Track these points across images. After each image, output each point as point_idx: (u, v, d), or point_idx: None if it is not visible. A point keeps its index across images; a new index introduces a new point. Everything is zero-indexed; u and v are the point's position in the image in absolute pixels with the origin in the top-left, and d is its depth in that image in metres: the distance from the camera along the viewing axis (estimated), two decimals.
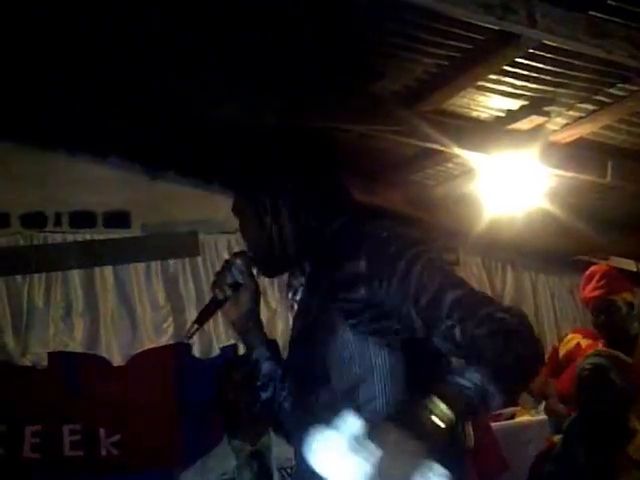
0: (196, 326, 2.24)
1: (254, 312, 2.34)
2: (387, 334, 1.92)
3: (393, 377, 1.92)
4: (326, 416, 1.65)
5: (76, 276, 5.34)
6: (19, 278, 5.23)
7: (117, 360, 5.31)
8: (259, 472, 4.36)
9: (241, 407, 3.88)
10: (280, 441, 4.51)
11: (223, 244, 5.54)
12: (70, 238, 5.40)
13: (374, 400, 1.91)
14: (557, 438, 4.25)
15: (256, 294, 2.32)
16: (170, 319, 5.47)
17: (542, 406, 5.43)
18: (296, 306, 2.18)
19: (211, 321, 5.49)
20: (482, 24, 3.64)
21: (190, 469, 3.99)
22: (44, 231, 5.36)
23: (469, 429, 4.01)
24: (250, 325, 2.34)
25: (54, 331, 5.23)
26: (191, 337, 2.40)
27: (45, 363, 5.15)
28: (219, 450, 4.22)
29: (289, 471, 4.43)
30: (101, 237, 5.46)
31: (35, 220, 5.38)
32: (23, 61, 4.46)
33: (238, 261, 2.24)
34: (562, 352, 5.07)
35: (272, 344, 2.43)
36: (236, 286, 2.25)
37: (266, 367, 2.33)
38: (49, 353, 5.18)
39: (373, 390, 1.92)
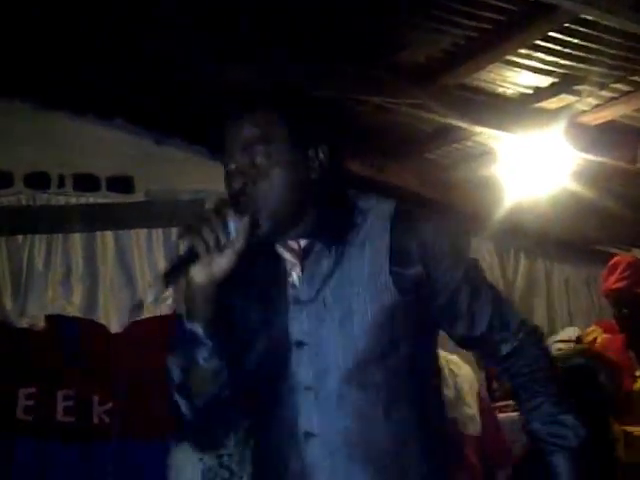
0: (165, 283, 1.90)
1: (225, 283, 1.94)
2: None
3: None
4: None
5: (77, 240, 5.28)
6: (20, 238, 5.18)
7: (114, 327, 5.25)
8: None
9: None
10: None
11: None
12: (73, 201, 5.33)
13: None
14: None
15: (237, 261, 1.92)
16: (170, 289, 5.39)
17: None
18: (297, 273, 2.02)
19: None
20: None
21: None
22: (47, 192, 5.28)
23: (476, 415, 3.98)
24: (212, 298, 1.93)
25: (52, 294, 5.17)
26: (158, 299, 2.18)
27: (42, 324, 5.11)
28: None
29: None
30: (104, 201, 5.40)
31: (38, 181, 5.32)
32: (33, 20, 4.41)
33: (232, 212, 1.91)
34: None
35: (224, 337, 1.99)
36: (218, 242, 1.89)
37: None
38: (47, 316, 5.13)
39: None
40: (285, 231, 2.00)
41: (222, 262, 1.88)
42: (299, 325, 1.98)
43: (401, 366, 1.95)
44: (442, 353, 3.69)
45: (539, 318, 6.44)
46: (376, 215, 2.01)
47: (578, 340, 5.04)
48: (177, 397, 2.05)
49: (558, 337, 5.07)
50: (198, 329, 1.93)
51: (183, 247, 1.90)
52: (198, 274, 1.89)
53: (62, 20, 4.43)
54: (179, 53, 4.60)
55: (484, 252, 6.43)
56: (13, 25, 4.44)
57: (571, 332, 4.51)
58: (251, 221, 1.90)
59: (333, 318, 1.95)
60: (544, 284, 6.54)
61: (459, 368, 3.74)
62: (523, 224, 5.91)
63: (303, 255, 2.01)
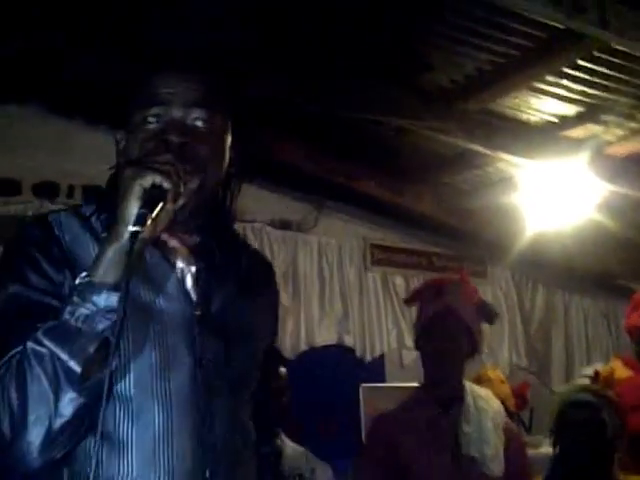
0: (137, 228, 1.56)
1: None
2: None
3: None
4: None
5: None
6: None
7: None
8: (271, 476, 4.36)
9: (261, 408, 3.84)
10: (292, 446, 4.50)
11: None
12: None
13: None
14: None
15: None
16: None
17: None
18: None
19: None
20: (548, 21, 3.57)
21: None
22: (55, 202, 5.25)
23: (500, 455, 3.86)
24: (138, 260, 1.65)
25: None
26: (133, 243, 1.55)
27: None
28: None
29: (298, 479, 4.43)
30: None
31: (47, 190, 5.33)
32: (48, 26, 4.42)
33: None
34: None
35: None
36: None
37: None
38: None
39: None
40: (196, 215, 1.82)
41: (169, 214, 1.64)
42: None
43: None
44: (468, 384, 3.67)
45: (557, 350, 6.44)
46: (257, 262, 2.04)
47: (596, 376, 5.00)
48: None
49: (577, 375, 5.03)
50: (113, 300, 1.58)
51: (143, 185, 1.60)
52: (159, 223, 1.63)
53: (76, 27, 4.43)
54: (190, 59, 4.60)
55: (501, 280, 6.43)
56: (32, 30, 4.45)
57: (589, 371, 4.46)
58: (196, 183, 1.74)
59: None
60: (562, 316, 6.52)
61: (486, 402, 3.68)
62: (543, 254, 5.89)
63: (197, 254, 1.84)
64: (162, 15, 4.03)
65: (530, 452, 4.97)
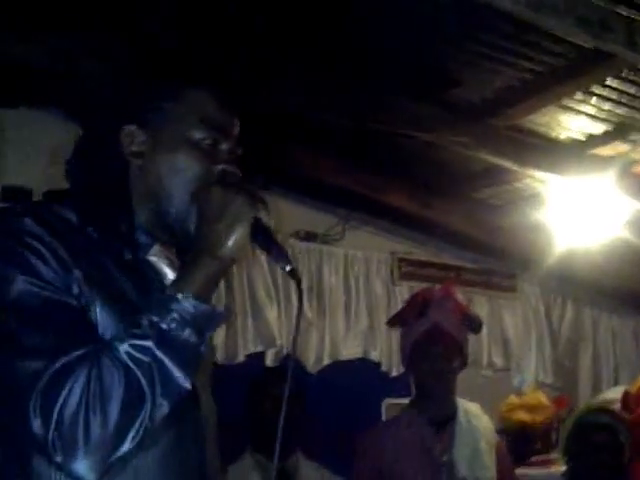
0: (290, 267, 1.78)
1: None
2: None
3: None
4: None
5: None
6: None
7: None
8: None
9: (276, 424, 3.90)
10: (308, 464, 4.56)
11: None
12: None
13: None
14: None
15: None
16: None
17: None
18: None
19: (239, 326, 5.43)
20: (576, 41, 3.65)
21: None
22: None
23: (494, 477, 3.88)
24: None
25: None
26: None
27: None
28: (240, 464, 4.27)
29: None
30: None
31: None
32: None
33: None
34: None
35: None
36: None
37: None
38: None
39: None
40: None
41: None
42: None
43: None
44: (460, 401, 3.71)
45: (585, 368, 6.47)
46: None
47: (626, 396, 5.05)
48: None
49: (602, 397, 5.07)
50: (216, 322, 1.74)
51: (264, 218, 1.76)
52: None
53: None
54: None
55: (530, 296, 6.48)
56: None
57: (617, 392, 4.52)
58: None
59: None
60: (591, 333, 6.55)
61: (479, 420, 3.68)
62: (572, 271, 5.95)
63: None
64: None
65: (558, 469, 5.06)
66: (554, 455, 5.17)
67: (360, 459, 3.68)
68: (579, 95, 4.18)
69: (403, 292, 6.10)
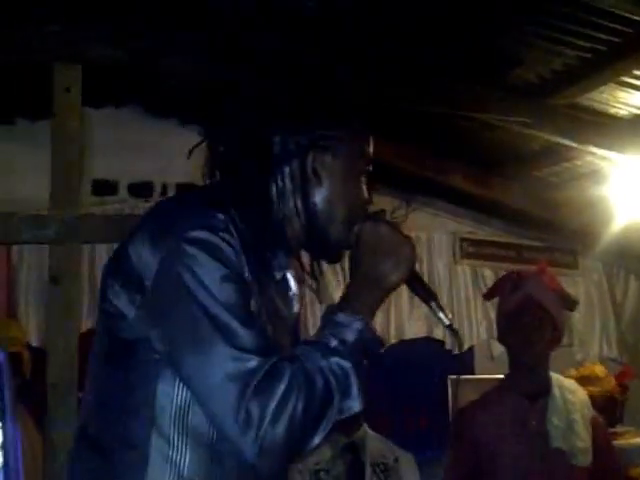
0: (449, 322, 2.08)
1: None
2: None
3: None
4: None
5: None
6: None
7: None
8: (352, 465, 4.58)
9: None
10: (375, 436, 4.72)
11: None
12: None
13: None
14: None
15: None
16: None
17: None
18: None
19: None
20: (634, 17, 3.73)
21: None
22: (149, 201, 5.47)
23: (588, 446, 3.90)
24: None
25: None
26: None
27: None
28: None
29: (382, 467, 4.64)
30: None
31: (142, 189, 5.61)
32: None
33: None
34: None
35: None
36: None
37: None
38: None
39: None
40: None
41: None
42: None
43: None
44: (555, 376, 3.78)
45: None
46: None
47: None
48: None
49: None
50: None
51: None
52: None
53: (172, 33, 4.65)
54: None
55: (592, 272, 6.55)
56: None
57: None
58: None
59: None
60: None
61: (574, 394, 3.73)
62: (634, 246, 6.00)
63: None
64: None
65: (622, 442, 5.10)
66: (619, 428, 5.25)
67: (457, 442, 3.71)
68: (637, 72, 4.24)
69: (465, 271, 6.21)
